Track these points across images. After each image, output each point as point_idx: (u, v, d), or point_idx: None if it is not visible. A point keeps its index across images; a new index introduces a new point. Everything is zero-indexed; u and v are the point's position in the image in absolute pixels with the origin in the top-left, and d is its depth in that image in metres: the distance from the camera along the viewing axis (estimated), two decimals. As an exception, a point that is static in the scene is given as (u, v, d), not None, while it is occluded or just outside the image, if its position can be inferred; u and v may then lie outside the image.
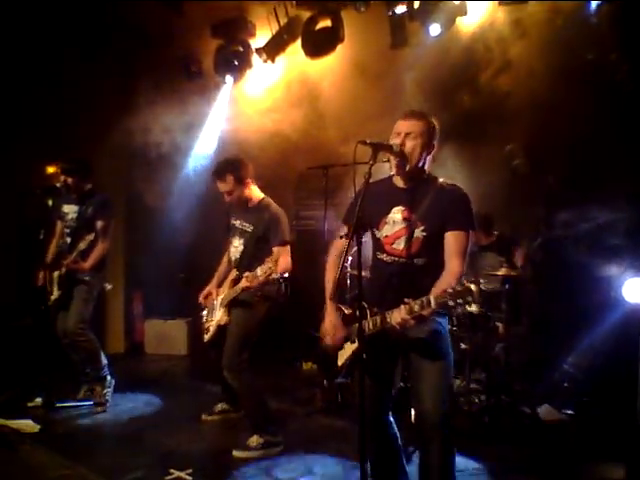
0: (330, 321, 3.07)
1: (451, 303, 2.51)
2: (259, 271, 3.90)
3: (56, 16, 5.92)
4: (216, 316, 4.36)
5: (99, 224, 5.08)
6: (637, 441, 3.70)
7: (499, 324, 4.91)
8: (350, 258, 4.46)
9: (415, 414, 3.14)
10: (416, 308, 2.63)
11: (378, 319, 2.84)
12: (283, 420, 4.62)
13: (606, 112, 4.85)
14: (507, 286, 4.81)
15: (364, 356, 2.68)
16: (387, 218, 2.97)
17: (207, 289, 4.54)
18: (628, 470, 3.72)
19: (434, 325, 2.90)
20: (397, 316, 2.70)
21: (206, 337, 4.45)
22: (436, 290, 2.65)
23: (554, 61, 4.97)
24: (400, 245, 2.93)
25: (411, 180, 2.95)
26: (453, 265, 2.80)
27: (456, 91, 5.60)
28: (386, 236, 2.98)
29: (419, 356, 2.90)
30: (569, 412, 4.69)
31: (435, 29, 5.50)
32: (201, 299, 4.55)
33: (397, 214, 2.95)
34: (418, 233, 2.88)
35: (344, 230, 3.14)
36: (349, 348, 3.02)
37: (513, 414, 4.61)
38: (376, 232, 3.03)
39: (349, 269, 5.29)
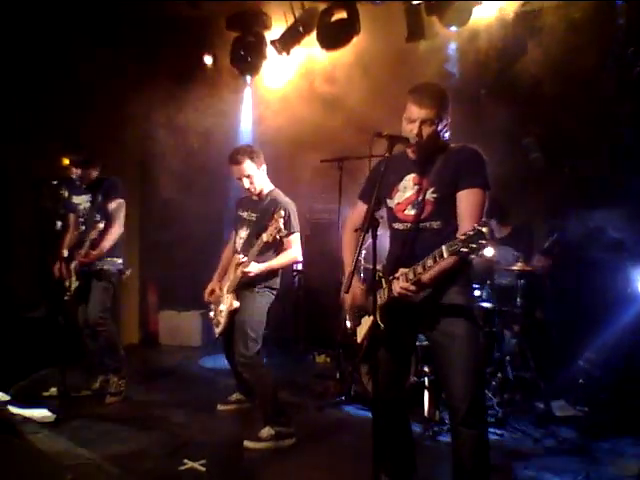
0: (351, 284, 2.91)
1: (464, 250, 2.42)
2: (265, 236, 3.93)
3: (73, 6, 5.94)
4: (225, 304, 4.31)
5: (110, 207, 5.06)
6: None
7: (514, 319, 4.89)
8: (364, 252, 4.45)
9: (446, 400, 3.08)
10: (419, 269, 2.60)
11: (387, 289, 2.79)
12: (295, 412, 4.62)
13: (623, 107, 4.82)
14: (522, 281, 4.79)
15: (381, 326, 2.67)
16: (399, 185, 2.96)
17: (210, 286, 4.50)
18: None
19: (457, 298, 2.83)
20: (396, 285, 2.67)
21: (218, 330, 4.40)
22: None
23: (571, 56, 4.92)
24: (412, 211, 2.90)
25: (425, 152, 2.90)
26: (465, 226, 2.65)
27: (473, 84, 5.58)
28: (398, 203, 2.96)
29: (443, 335, 2.82)
30: (584, 408, 4.66)
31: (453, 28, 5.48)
32: (206, 297, 4.51)
33: (409, 181, 2.93)
34: (429, 195, 2.84)
35: (358, 204, 3.19)
36: (366, 323, 2.97)
37: (527, 409, 4.59)
38: (389, 201, 3.00)
39: (363, 262, 5.27)
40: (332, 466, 3.90)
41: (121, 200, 5.13)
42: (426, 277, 2.66)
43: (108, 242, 5.00)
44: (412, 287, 2.64)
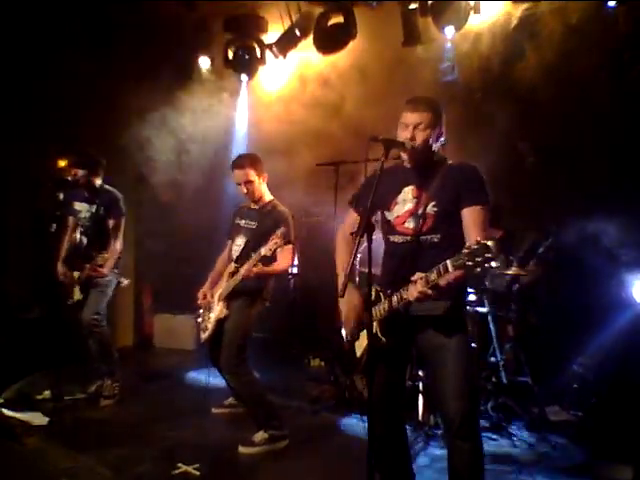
0: (351, 302, 2.95)
1: (469, 263, 2.39)
2: (263, 250, 3.90)
3: (72, 8, 5.95)
4: (214, 311, 4.29)
5: (111, 223, 5.15)
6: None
7: (508, 324, 4.89)
8: (359, 255, 4.44)
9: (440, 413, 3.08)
10: (432, 277, 2.55)
11: (395, 298, 2.78)
12: (290, 416, 4.62)
13: (619, 113, 4.83)
14: (516, 286, 4.79)
15: (382, 340, 2.69)
16: (398, 198, 2.95)
17: (202, 291, 4.45)
18: (636, 472, 3.70)
19: (450, 311, 2.82)
20: (413, 290, 2.62)
21: (204, 336, 4.36)
22: None
23: (567, 60, 4.94)
24: (411, 224, 2.89)
25: (421, 162, 2.92)
26: (473, 239, 2.60)
27: (469, 88, 5.59)
28: (397, 216, 2.95)
29: (435, 348, 2.83)
30: (578, 413, 4.66)
31: (449, 30, 5.48)
32: (199, 301, 4.46)
33: (408, 193, 2.93)
34: (429, 209, 2.84)
35: (350, 213, 3.18)
36: (364, 337, 2.95)
37: (522, 414, 4.59)
38: (387, 214, 2.99)
39: (358, 267, 5.26)
40: (327, 470, 3.90)
41: (121, 218, 5.23)
42: (443, 282, 2.60)
43: (111, 259, 5.11)
44: (429, 292, 2.58)
